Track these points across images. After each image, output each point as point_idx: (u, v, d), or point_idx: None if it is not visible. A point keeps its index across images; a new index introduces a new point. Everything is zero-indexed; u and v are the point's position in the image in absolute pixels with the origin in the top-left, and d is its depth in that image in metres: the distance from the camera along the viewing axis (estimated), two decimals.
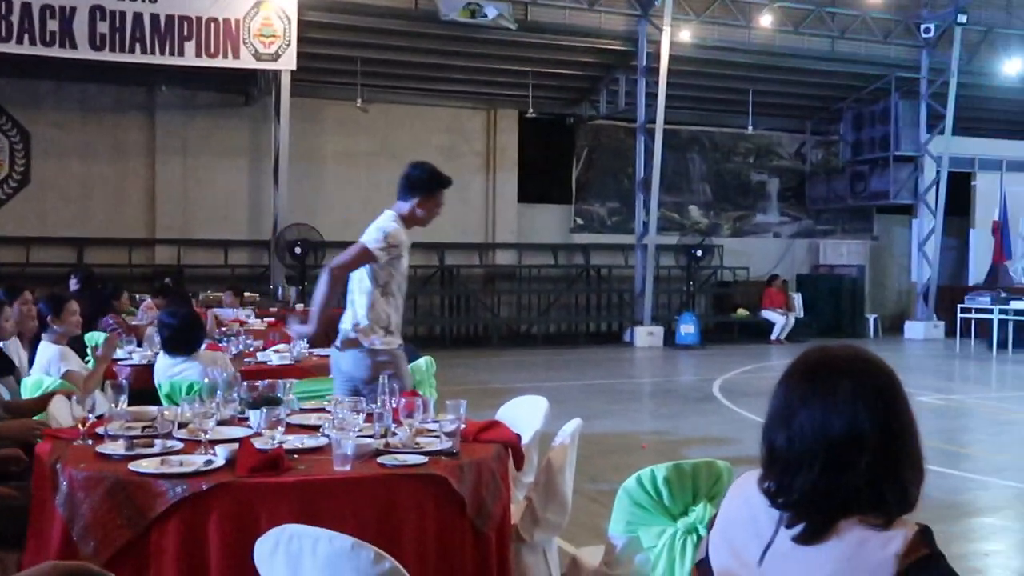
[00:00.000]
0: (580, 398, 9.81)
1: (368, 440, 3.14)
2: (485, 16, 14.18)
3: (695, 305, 17.33)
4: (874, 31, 17.16)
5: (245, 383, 3.64)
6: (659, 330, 16.20)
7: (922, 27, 17.09)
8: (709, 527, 1.90)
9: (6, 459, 3.57)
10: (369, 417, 3.38)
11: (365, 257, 4.52)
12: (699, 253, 16.96)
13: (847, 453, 1.59)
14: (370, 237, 4.55)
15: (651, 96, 15.84)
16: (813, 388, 1.66)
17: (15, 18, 12.04)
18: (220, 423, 3.37)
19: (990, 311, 15.31)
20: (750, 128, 18.00)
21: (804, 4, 16.54)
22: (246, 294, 11.54)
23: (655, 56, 15.44)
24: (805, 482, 1.62)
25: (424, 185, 4.68)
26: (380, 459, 3.01)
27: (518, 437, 3.51)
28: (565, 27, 15.12)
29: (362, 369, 4.53)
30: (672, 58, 15.32)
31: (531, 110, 16.57)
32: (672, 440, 8.10)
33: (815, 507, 1.61)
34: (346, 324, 4.60)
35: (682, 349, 15.63)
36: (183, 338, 4.77)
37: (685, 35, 15.50)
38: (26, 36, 12.12)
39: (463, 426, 3.31)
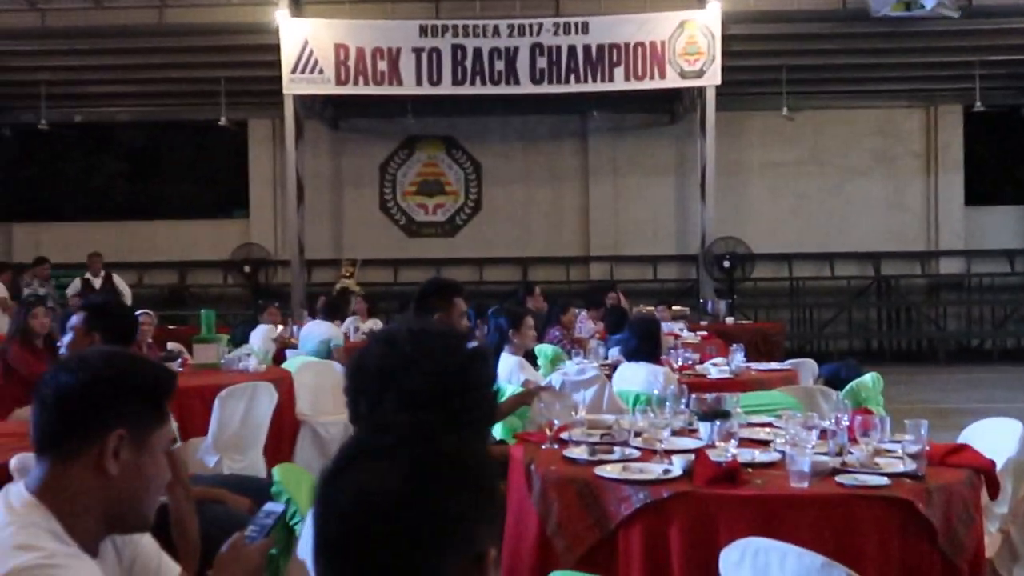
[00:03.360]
0: None
1: (823, 458, 3.05)
2: (922, 7, 13.17)
3: None
4: None
5: (693, 396, 3.71)
6: None
7: None
8: None
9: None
10: (823, 434, 3.28)
11: None
12: None
13: None
14: None
15: None
16: None
17: (468, 63, 13.43)
18: (672, 434, 3.47)
19: None
20: None
21: None
22: (675, 307, 11.77)
23: None
24: None
25: None
26: (838, 478, 2.90)
27: (992, 463, 3.20)
28: (1018, 8, 13.59)
29: None
30: None
31: (978, 103, 15.09)
32: None
33: None
34: None
35: None
36: (645, 347, 5.00)
37: None
38: (478, 78, 13.47)
39: (927, 448, 3.09)
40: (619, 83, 13.44)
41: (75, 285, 12.07)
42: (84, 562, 1.59)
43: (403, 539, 1.03)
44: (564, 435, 3.47)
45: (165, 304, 14.62)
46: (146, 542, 1.84)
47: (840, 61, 14.75)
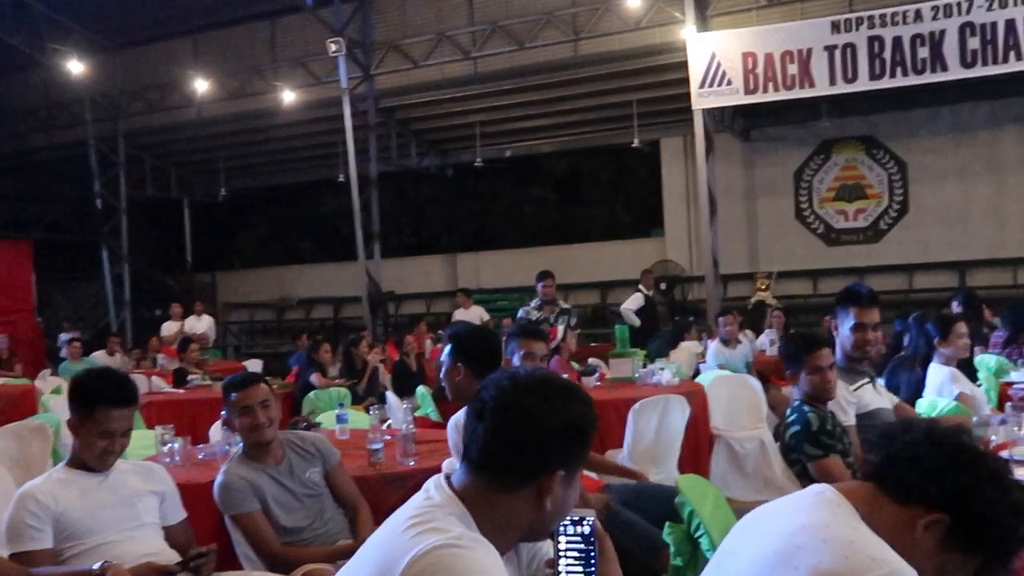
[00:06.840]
0: None
1: None
2: None
3: None
4: None
5: None
6: None
7: None
8: None
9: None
10: None
11: None
12: None
13: None
14: None
15: None
16: None
17: (887, 54, 12.51)
18: None
19: None
20: None
21: None
22: None
23: None
24: None
25: None
26: None
27: None
28: None
29: None
30: None
31: None
32: None
33: None
34: None
35: None
36: None
37: None
38: (898, 69, 12.50)
39: None
40: None
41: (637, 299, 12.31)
42: (487, 547, 1.65)
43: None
44: (1006, 454, 3.04)
45: (588, 323, 15.34)
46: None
47: None
